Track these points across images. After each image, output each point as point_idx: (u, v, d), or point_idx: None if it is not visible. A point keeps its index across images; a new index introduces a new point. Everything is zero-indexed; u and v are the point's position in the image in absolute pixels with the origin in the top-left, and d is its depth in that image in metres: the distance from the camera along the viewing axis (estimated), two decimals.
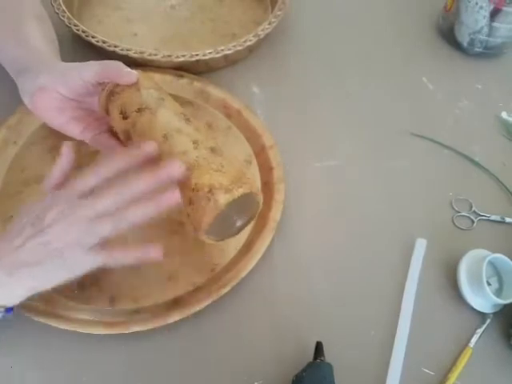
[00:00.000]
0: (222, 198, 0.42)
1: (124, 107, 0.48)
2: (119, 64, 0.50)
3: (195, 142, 0.45)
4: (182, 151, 0.44)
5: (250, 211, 0.47)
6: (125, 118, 0.47)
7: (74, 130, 0.53)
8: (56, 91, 0.50)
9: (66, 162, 0.45)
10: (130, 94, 0.48)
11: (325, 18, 0.78)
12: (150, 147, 0.43)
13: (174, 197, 0.42)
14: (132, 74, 0.49)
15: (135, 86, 0.49)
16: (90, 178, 0.42)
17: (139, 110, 0.47)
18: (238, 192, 0.42)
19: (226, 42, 0.64)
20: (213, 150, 0.45)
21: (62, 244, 0.40)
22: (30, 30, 0.57)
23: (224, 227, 0.46)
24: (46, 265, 0.40)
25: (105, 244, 0.41)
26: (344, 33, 0.76)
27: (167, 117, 0.47)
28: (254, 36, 0.65)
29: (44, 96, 0.51)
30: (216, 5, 0.76)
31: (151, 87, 0.49)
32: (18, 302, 0.41)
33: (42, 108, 0.52)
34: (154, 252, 0.43)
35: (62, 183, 0.44)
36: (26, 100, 0.53)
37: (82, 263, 0.41)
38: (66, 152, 0.45)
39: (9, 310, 0.41)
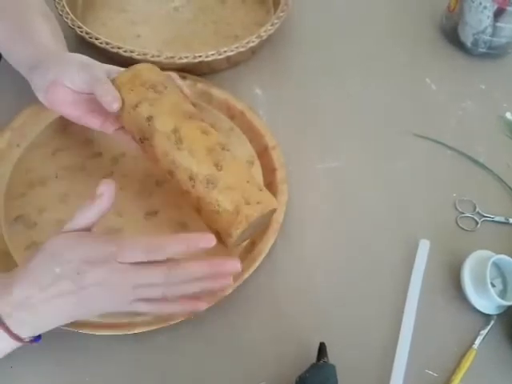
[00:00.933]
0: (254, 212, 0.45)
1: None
2: (107, 89, 0.48)
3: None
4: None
5: (266, 223, 0.51)
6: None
7: (94, 122, 0.53)
8: (66, 85, 0.50)
9: (105, 203, 0.42)
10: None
11: (327, 19, 0.78)
12: (209, 243, 0.40)
13: (227, 283, 0.43)
14: (113, 104, 0.48)
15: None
16: (139, 253, 0.39)
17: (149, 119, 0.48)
18: (267, 208, 0.46)
19: (229, 43, 0.65)
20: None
21: (108, 299, 0.40)
22: (38, 27, 0.57)
23: (244, 236, 0.48)
24: (88, 309, 0.40)
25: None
26: (346, 34, 0.76)
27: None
28: (256, 37, 0.66)
29: (57, 90, 0.50)
30: (218, 7, 0.76)
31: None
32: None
33: (56, 103, 0.52)
34: (201, 305, 0.43)
35: (92, 226, 0.42)
36: (40, 96, 0.53)
37: (126, 308, 0.41)
38: (107, 193, 0.42)
39: (37, 338, 0.41)
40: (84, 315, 0.43)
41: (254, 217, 0.45)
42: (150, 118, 0.48)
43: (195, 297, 0.43)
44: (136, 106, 0.48)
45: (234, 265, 0.42)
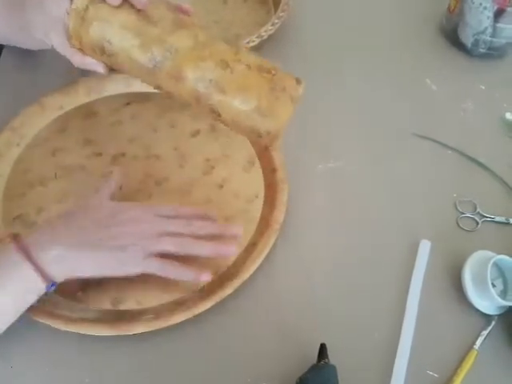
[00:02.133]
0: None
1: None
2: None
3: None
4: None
5: None
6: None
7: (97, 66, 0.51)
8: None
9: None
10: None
11: (327, 19, 0.78)
12: (235, 230, 0.50)
13: (231, 251, 0.49)
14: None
15: None
16: (168, 208, 0.49)
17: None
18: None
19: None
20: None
21: (128, 242, 0.44)
22: None
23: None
24: (108, 252, 0.44)
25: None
26: (347, 34, 0.76)
27: None
28: (256, 37, 0.66)
29: (60, 29, 0.48)
30: (219, 7, 0.76)
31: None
32: (63, 280, 0.43)
33: (60, 43, 0.50)
34: (205, 276, 0.47)
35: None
36: (39, 34, 0.51)
37: (137, 264, 0.45)
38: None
39: (53, 284, 0.43)
40: (106, 257, 0.44)
41: (274, 141, 0.46)
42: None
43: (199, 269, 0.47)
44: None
45: (238, 228, 0.50)
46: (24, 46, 0.61)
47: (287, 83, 0.45)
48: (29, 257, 0.41)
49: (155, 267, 0.45)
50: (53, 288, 0.43)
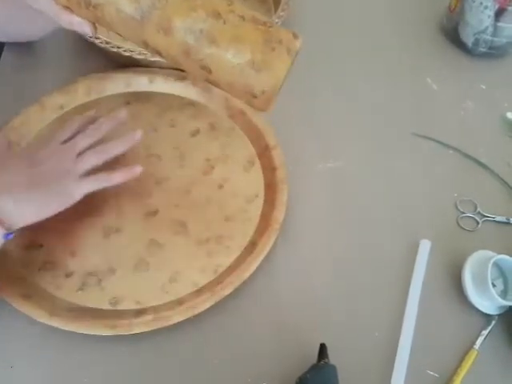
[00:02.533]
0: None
1: None
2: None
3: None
4: None
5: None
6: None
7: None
8: None
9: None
10: None
11: (327, 19, 0.78)
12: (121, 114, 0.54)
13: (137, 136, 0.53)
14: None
15: None
16: (67, 129, 0.52)
17: None
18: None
19: None
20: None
21: (56, 173, 0.47)
22: None
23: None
24: (49, 187, 0.46)
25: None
26: (347, 34, 0.76)
27: None
28: None
29: None
30: None
31: None
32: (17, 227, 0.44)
33: (46, 2, 0.46)
34: (137, 168, 0.50)
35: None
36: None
37: (75, 188, 0.47)
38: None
39: (9, 234, 0.44)
40: (46, 194, 0.46)
41: (269, 104, 0.42)
42: None
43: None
44: None
45: (122, 113, 0.55)
46: (23, 37, 0.60)
47: (284, 36, 0.41)
48: None
49: (92, 183, 0.48)
50: (10, 236, 0.44)
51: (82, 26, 0.47)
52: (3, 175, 0.47)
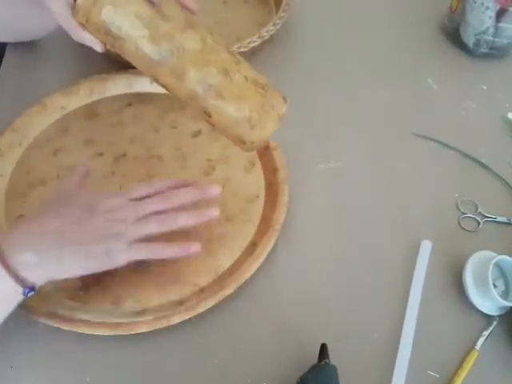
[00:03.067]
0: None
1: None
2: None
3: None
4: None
5: None
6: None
7: None
8: None
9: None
10: None
11: (328, 20, 0.78)
12: (214, 190, 0.49)
13: (214, 214, 0.48)
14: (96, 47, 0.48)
15: None
16: (142, 188, 0.48)
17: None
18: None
19: (230, 44, 0.64)
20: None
21: (105, 232, 0.43)
22: None
23: None
24: (90, 247, 0.42)
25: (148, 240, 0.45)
26: (348, 34, 0.76)
27: None
28: (257, 38, 0.66)
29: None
30: (220, 7, 0.76)
31: None
32: (42, 283, 0.41)
33: (59, 12, 0.47)
34: (194, 247, 0.46)
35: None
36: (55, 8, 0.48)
37: (122, 254, 0.43)
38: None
39: (31, 289, 0.41)
40: (91, 253, 0.43)
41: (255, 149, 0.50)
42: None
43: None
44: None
45: (216, 188, 0.49)
46: (28, 36, 0.61)
47: (276, 101, 0.48)
48: (2, 260, 0.39)
49: (142, 252, 0.44)
50: (31, 293, 0.40)
51: (93, 44, 0.48)
52: (43, 224, 0.42)
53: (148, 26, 0.45)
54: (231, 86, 0.46)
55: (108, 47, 0.49)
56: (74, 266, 0.42)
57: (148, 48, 0.45)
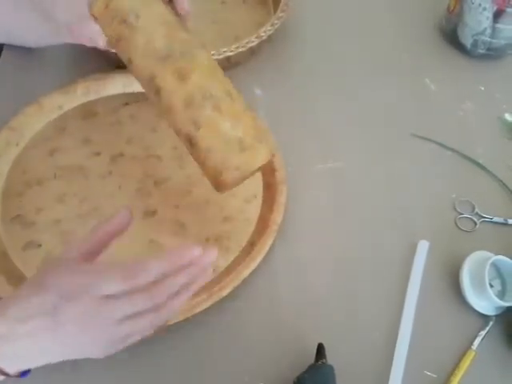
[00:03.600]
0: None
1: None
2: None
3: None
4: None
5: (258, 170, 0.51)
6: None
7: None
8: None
9: (115, 227, 0.40)
10: None
11: (327, 20, 0.78)
12: (208, 258, 0.37)
13: (208, 277, 0.38)
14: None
15: None
16: (114, 283, 0.36)
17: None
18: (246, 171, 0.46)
19: (229, 44, 0.64)
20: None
21: (85, 345, 0.36)
22: None
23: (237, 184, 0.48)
24: (57, 351, 0.37)
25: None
26: (346, 35, 0.76)
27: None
28: (256, 37, 0.66)
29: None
30: (218, 8, 0.76)
31: None
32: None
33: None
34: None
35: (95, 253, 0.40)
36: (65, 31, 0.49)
37: (103, 353, 0.37)
38: (123, 217, 0.40)
39: (25, 373, 0.38)
40: (71, 355, 0.37)
41: (231, 185, 0.44)
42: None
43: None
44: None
45: (213, 254, 0.38)
46: (29, 42, 0.61)
47: (270, 141, 0.47)
48: None
49: (137, 332, 0.37)
50: (26, 376, 0.37)
51: (98, 36, 0.47)
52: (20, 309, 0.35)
53: (167, 25, 0.45)
54: (232, 104, 0.45)
55: (109, 44, 0.48)
56: (68, 354, 0.37)
57: (160, 42, 0.44)
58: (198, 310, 0.46)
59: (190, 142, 0.45)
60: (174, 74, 0.44)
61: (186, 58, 0.45)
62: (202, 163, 0.46)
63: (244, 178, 0.46)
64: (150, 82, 0.46)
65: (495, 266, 0.51)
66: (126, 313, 0.35)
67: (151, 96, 0.46)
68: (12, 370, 0.36)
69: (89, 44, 0.50)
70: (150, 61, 0.45)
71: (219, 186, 0.46)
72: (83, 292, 0.35)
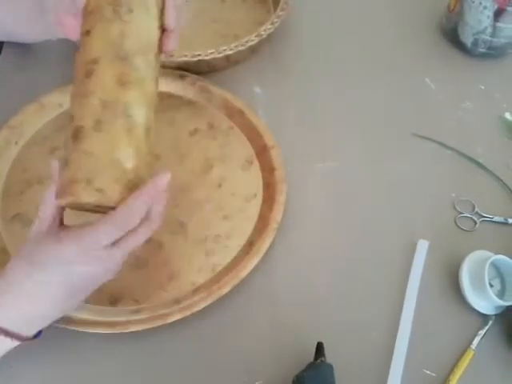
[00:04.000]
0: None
1: None
2: None
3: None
4: None
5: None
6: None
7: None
8: None
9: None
10: None
11: (327, 19, 0.78)
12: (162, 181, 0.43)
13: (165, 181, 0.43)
14: None
15: None
16: (116, 232, 0.40)
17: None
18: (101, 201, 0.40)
19: (228, 42, 0.64)
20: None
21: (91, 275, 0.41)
22: None
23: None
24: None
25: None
26: (346, 33, 0.76)
27: None
28: (255, 36, 0.65)
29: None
30: (218, 6, 0.76)
31: None
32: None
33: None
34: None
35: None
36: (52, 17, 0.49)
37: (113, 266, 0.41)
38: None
39: (37, 335, 0.41)
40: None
41: (83, 201, 0.39)
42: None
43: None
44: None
45: (165, 176, 0.43)
46: (26, 37, 0.61)
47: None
48: None
49: (124, 253, 0.41)
50: (40, 337, 0.41)
51: (74, 30, 0.47)
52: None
53: (151, 45, 0.45)
54: (144, 129, 0.44)
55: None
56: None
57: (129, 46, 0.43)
58: (197, 308, 0.47)
59: (77, 136, 0.42)
60: (114, 75, 0.43)
61: (137, 73, 0.43)
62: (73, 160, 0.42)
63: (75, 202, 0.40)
64: (90, 64, 0.44)
65: (495, 266, 0.51)
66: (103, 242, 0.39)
67: (79, 72, 0.45)
68: (26, 332, 0.40)
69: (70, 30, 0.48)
70: (107, 48, 0.43)
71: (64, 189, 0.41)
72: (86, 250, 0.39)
